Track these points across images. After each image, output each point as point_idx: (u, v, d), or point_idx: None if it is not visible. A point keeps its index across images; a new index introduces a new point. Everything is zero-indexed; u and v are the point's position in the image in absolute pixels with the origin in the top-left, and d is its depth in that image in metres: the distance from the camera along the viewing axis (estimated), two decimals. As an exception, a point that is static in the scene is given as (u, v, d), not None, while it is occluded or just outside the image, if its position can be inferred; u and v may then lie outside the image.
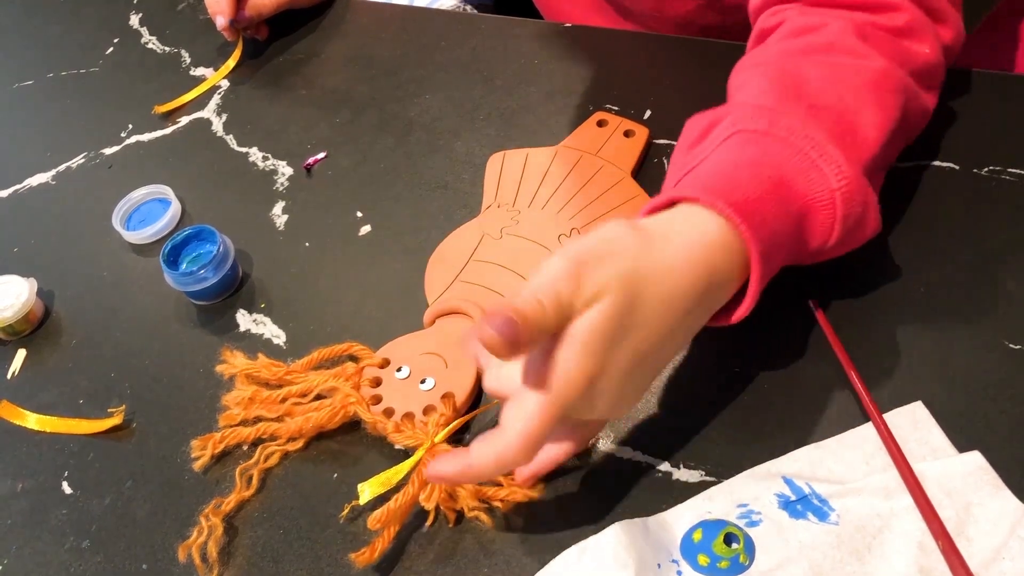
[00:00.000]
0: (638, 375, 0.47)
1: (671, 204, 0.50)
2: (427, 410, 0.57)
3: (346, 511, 0.54)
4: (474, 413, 0.57)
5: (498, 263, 0.64)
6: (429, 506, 0.52)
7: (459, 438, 0.56)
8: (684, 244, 0.47)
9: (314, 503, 0.56)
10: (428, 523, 0.53)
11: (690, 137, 0.57)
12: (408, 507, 0.52)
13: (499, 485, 0.53)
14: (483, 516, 0.52)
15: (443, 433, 0.55)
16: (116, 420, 0.61)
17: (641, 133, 0.72)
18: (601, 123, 0.73)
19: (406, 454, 0.55)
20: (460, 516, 0.53)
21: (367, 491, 0.52)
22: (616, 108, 0.76)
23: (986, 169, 0.64)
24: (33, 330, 0.70)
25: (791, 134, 0.51)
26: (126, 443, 0.61)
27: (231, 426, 0.59)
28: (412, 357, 0.59)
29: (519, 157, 0.72)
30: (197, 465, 0.58)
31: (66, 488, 0.59)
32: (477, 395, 0.58)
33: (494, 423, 0.56)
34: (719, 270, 0.47)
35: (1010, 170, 0.64)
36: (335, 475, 0.56)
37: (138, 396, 0.63)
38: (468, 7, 1.01)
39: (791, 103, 0.53)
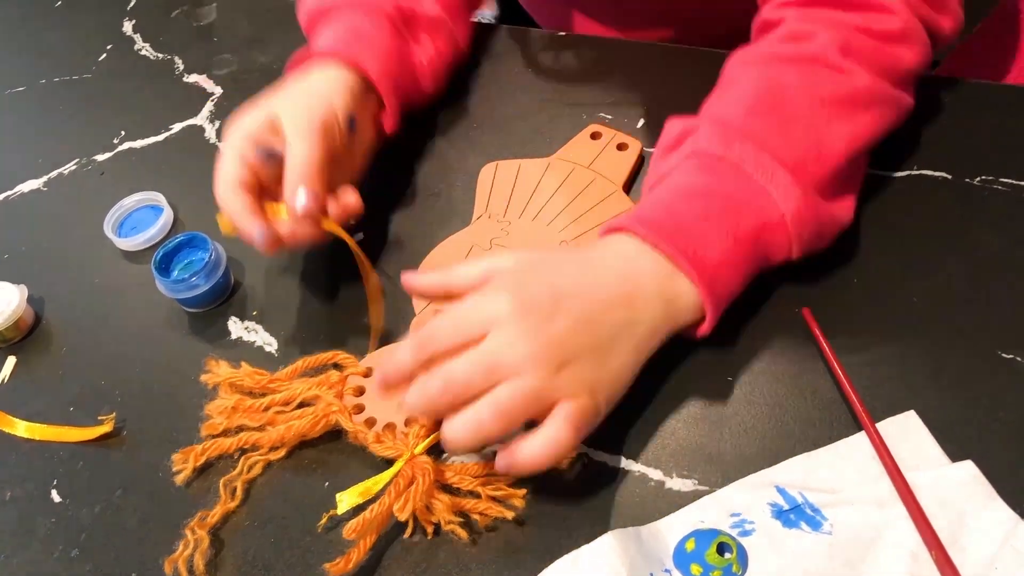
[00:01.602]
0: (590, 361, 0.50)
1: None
2: (408, 421, 0.56)
3: (324, 520, 0.54)
4: None
5: None
6: (403, 517, 0.52)
7: (439, 450, 0.56)
8: (607, 255, 0.54)
9: (300, 511, 0.55)
10: (407, 534, 0.53)
11: (667, 141, 0.61)
12: (385, 518, 0.52)
13: (477, 497, 0.53)
14: (459, 530, 0.52)
15: (423, 445, 0.54)
16: (106, 428, 0.61)
17: (634, 147, 0.71)
18: (595, 136, 0.73)
19: (391, 463, 0.54)
20: (439, 528, 0.53)
21: (345, 500, 0.52)
22: (610, 117, 0.76)
23: (978, 179, 0.65)
24: (23, 337, 0.69)
25: (743, 161, 0.55)
26: (116, 451, 0.61)
27: (213, 436, 0.59)
28: None
29: (511, 168, 0.72)
30: (179, 479, 0.57)
31: (55, 496, 0.59)
32: None
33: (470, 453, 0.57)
34: (649, 287, 0.53)
35: (1002, 180, 0.64)
36: (326, 483, 0.56)
37: (129, 404, 0.63)
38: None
39: (761, 116, 0.56)
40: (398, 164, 0.76)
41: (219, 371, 0.60)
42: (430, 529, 0.53)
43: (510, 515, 0.52)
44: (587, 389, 0.49)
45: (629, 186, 0.70)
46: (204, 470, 0.58)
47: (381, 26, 0.72)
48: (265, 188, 0.62)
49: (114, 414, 0.62)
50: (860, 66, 0.57)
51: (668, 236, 0.53)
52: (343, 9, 0.73)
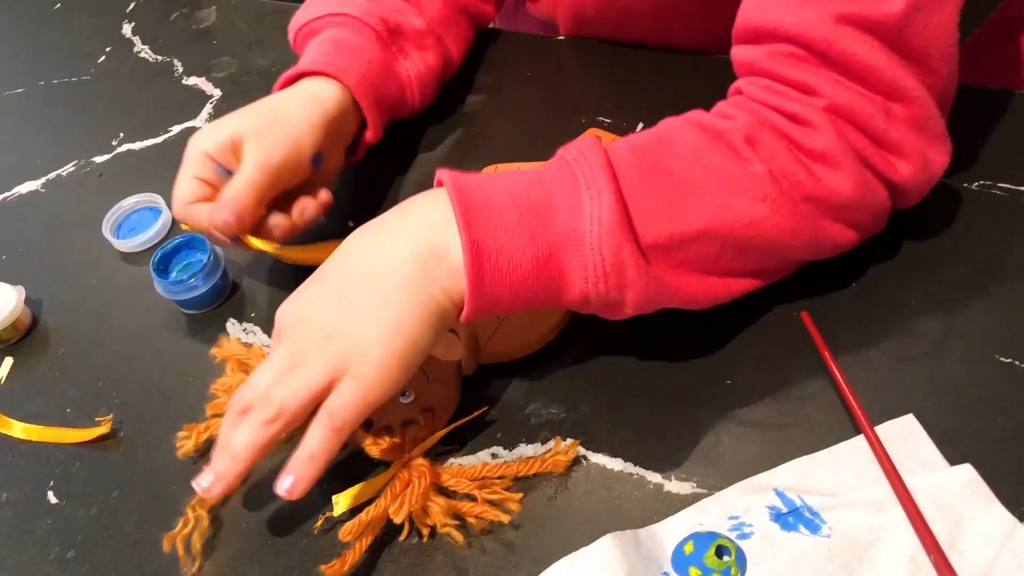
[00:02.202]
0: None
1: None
2: (406, 423, 0.56)
3: (320, 522, 0.54)
4: (452, 426, 0.56)
5: None
6: (398, 519, 0.51)
7: (437, 452, 0.56)
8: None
9: (296, 512, 0.55)
10: (403, 536, 0.53)
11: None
12: (380, 520, 0.52)
13: (473, 500, 0.53)
14: (455, 533, 0.52)
15: (419, 447, 0.54)
16: (104, 429, 0.61)
17: None
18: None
19: (388, 465, 0.54)
20: (434, 531, 0.53)
21: (341, 503, 0.52)
22: (609, 121, 0.76)
23: (976, 183, 0.65)
24: (21, 338, 0.69)
25: (579, 167, 0.52)
26: (113, 453, 0.60)
27: (218, 415, 0.58)
28: None
29: (511, 170, 0.72)
30: (181, 452, 0.57)
31: (52, 498, 0.59)
32: (456, 409, 0.58)
33: (473, 436, 0.57)
34: (418, 227, 0.52)
35: (1000, 184, 0.64)
36: (323, 484, 0.56)
37: (126, 405, 0.63)
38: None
39: (636, 154, 0.53)
40: (399, 166, 0.77)
41: (229, 347, 0.61)
42: (426, 532, 0.53)
43: (506, 519, 0.52)
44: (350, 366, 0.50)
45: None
46: (205, 454, 0.58)
47: (366, 38, 0.72)
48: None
49: (111, 415, 0.61)
50: (761, 159, 0.52)
51: (467, 195, 0.51)
52: (328, 25, 0.73)
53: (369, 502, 0.52)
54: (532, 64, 0.84)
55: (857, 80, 0.53)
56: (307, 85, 0.68)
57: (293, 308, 0.52)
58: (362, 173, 0.76)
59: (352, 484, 0.53)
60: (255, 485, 0.57)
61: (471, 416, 0.56)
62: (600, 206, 0.50)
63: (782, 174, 0.53)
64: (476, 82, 0.83)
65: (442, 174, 0.53)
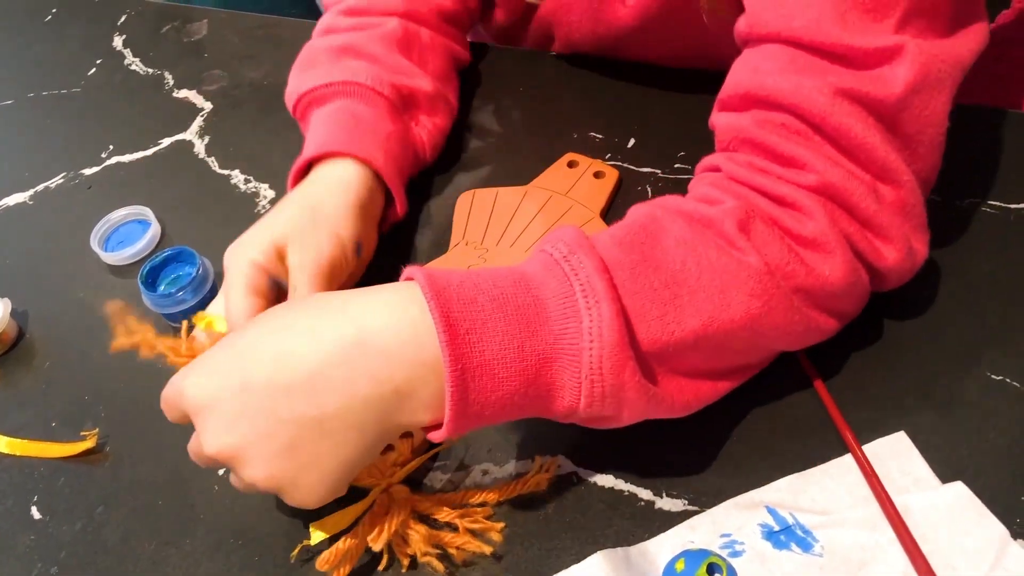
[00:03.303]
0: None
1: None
2: (384, 449, 0.55)
3: (296, 552, 0.53)
4: (432, 452, 0.56)
5: None
6: (377, 547, 0.50)
7: (417, 479, 0.55)
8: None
9: (272, 540, 0.55)
10: (381, 566, 0.52)
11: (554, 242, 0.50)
12: (358, 549, 0.51)
13: (455, 530, 0.52)
14: (435, 563, 0.51)
15: (400, 473, 0.53)
16: (89, 443, 0.60)
17: (611, 175, 0.71)
18: (572, 164, 0.73)
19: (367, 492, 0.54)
20: (415, 560, 0.52)
21: (318, 532, 0.51)
22: (600, 136, 0.76)
23: (967, 201, 0.65)
24: (6, 351, 0.68)
25: (575, 273, 0.46)
26: (99, 467, 0.60)
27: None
28: None
29: (489, 196, 0.72)
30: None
31: (35, 513, 0.58)
32: None
33: (463, 453, 0.57)
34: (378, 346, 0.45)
35: (990, 202, 0.65)
36: (301, 512, 0.55)
37: (112, 419, 0.62)
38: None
39: (624, 249, 0.48)
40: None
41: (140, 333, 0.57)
42: (405, 562, 0.52)
43: (488, 550, 0.51)
44: (288, 484, 0.47)
45: (606, 213, 0.70)
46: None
47: (380, 108, 0.69)
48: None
49: (97, 430, 0.61)
50: (755, 249, 0.49)
51: (447, 303, 0.45)
52: (337, 95, 0.69)
53: (348, 530, 0.51)
54: (524, 79, 0.84)
55: (849, 156, 0.51)
56: (332, 171, 0.64)
57: (226, 402, 0.46)
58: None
59: (330, 512, 0.52)
60: (235, 514, 0.56)
61: (452, 442, 0.56)
62: (600, 320, 0.45)
63: (776, 265, 0.49)
64: (468, 97, 0.83)
65: (414, 272, 0.47)
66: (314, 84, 0.70)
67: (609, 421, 0.49)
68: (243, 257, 0.58)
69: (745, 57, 0.56)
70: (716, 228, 0.50)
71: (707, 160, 0.57)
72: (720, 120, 0.57)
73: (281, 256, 0.59)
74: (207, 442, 0.46)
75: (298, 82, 0.72)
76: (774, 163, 0.52)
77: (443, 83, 0.77)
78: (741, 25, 0.57)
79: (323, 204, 0.62)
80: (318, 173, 0.65)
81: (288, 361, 0.45)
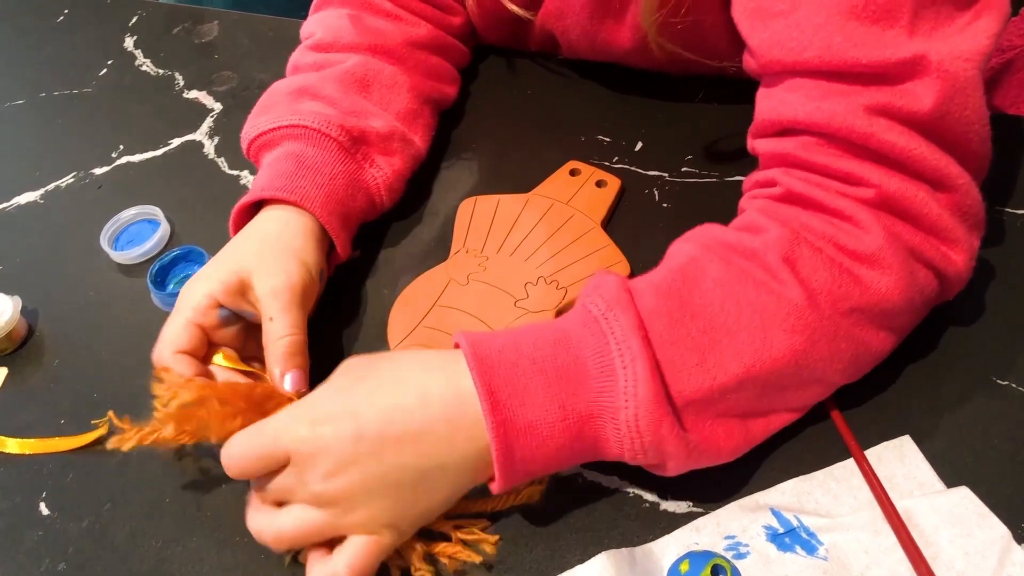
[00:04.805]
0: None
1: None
2: None
3: (288, 559, 0.53)
4: None
5: (463, 309, 0.64)
6: None
7: None
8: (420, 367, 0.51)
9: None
10: None
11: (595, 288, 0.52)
12: None
13: (448, 540, 0.52)
14: (427, 574, 0.51)
15: None
16: (101, 431, 0.61)
17: (613, 184, 0.72)
18: (574, 172, 0.73)
19: None
20: (407, 573, 0.52)
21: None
22: (608, 139, 0.76)
23: (974, 206, 0.65)
24: (16, 348, 0.69)
25: (611, 332, 0.48)
26: (106, 464, 0.60)
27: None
28: None
29: (490, 203, 0.72)
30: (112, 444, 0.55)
31: (43, 509, 0.58)
32: None
33: None
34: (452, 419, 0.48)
35: (996, 208, 0.65)
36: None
37: (120, 417, 0.62)
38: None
39: (661, 297, 0.49)
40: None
41: (170, 380, 0.56)
42: (396, 574, 0.52)
43: (478, 559, 0.52)
44: (382, 526, 0.49)
45: (607, 223, 0.70)
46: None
47: (327, 151, 0.67)
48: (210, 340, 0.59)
49: (108, 417, 0.60)
50: (799, 281, 0.49)
51: (489, 369, 0.48)
52: (286, 138, 0.68)
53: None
54: (531, 83, 0.84)
55: (900, 169, 0.50)
56: (272, 215, 0.64)
57: (342, 450, 0.48)
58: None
59: None
60: (240, 512, 0.56)
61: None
62: (635, 379, 0.46)
63: (823, 292, 0.49)
64: (474, 100, 0.83)
65: (460, 341, 0.49)
66: (264, 128, 0.68)
67: (659, 469, 0.50)
68: (199, 290, 0.58)
69: (767, 90, 0.56)
70: (758, 260, 0.50)
71: (759, 175, 0.57)
72: (762, 146, 0.56)
73: (244, 288, 0.59)
74: (313, 485, 0.48)
75: (251, 126, 0.70)
76: (831, 179, 0.52)
77: (406, 122, 0.73)
78: (751, 63, 0.56)
79: (280, 235, 0.62)
80: (265, 215, 0.64)
81: (399, 416, 0.48)
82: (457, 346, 0.50)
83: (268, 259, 0.60)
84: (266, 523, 0.50)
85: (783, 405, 0.52)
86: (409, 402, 0.48)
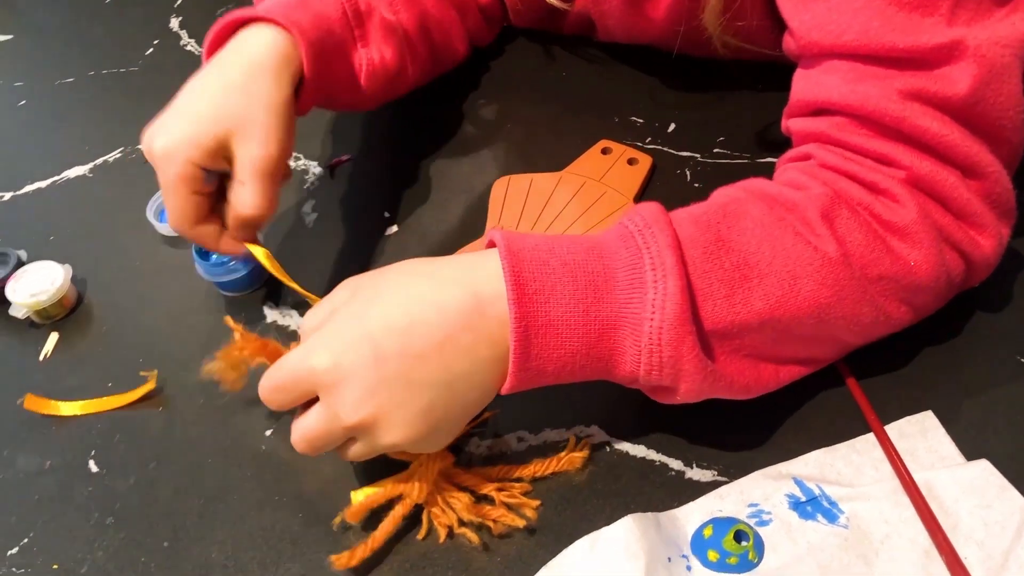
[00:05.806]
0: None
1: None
2: None
3: (339, 519, 0.54)
4: (473, 424, 0.58)
5: None
6: (415, 498, 0.52)
7: (458, 447, 0.57)
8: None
9: (316, 501, 0.57)
10: (420, 535, 0.54)
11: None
12: (387, 500, 0.53)
13: (492, 503, 0.54)
14: (470, 534, 0.53)
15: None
16: (150, 385, 0.63)
17: (644, 161, 0.73)
18: (605, 151, 0.75)
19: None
20: (451, 532, 0.54)
21: (360, 499, 0.53)
22: (641, 120, 0.77)
23: (1004, 189, 0.65)
24: (66, 315, 0.71)
25: (647, 248, 0.48)
26: (152, 426, 0.62)
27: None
28: None
29: (524, 182, 0.73)
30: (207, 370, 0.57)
31: (92, 467, 0.61)
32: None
33: (495, 435, 0.58)
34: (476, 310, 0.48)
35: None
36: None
37: (165, 381, 0.65)
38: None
39: (699, 227, 0.50)
40: (429, 163, 0.79)
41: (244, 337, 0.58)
42: (443, 532, 0.53)
43: (521, 523, 0.53)
44: (416, 442, 0.50)
45: (640, 199, 0.71)
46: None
47: (331, 8, 0.67)
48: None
49: (156, 371, 0.63)
50: (835, 238, 0.50)
51: (519, 264, 0.48)
52: None
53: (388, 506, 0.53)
54: (566, 64, 0.85)
55: (931, 154, 0.51)
56: (259, 36, 0.62)
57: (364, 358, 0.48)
58: (397, 166, 0.78)
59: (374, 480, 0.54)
60: (281, 473, 0.59)
61: (492, 413, 0.58)
62: (665, 294, 0.47)
63: (856, 254, 0.50)
64: (510, 82, 0.85)
65: (495, 236, 0.50)
66: None
67: (669, 393, 0.51)
68: (182, 155, 0.58)
69: (804, 71, 0.57)
70: (798, 213, 0.51)
71: (793, 151, 0.57)
72: (796, 125, 0.57)
73: (224, 149, 0.59)
74: (346, 413, 0.48)
75: None
76: (864, 157, 0.53)
77: (413, 30, 0.75)
78: (790, 44, 0.57)
79: (258, 87, 0.60)
80: (250, 39, 0.63)
81: (419, 331, 0.48)
82: (491, 244, 0.51)
83: (248, 121, 0.59)
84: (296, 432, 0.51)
85: (795, 355, 0.53)
86: (428, 316, 0.48)
